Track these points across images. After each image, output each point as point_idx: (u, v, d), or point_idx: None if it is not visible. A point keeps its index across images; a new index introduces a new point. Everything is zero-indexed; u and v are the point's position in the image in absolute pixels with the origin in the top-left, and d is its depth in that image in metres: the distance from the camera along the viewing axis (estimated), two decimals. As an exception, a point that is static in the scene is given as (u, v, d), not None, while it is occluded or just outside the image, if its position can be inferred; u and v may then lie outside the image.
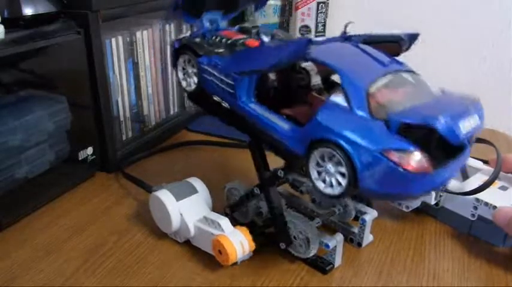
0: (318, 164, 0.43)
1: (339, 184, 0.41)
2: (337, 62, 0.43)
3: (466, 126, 0.38)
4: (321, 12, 1.02)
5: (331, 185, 0.42)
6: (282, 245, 0.52)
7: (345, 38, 0.49)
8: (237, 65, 0.48)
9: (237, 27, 0.55)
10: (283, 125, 0.45)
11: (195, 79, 0.54)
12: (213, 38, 0.53)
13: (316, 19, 1.02)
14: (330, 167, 0.41)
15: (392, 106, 0.40)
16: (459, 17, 0.95)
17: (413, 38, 0.49)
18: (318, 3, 1.01)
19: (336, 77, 0.48)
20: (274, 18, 1.09)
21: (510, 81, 0.95)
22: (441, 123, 0.37)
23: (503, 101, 0.96)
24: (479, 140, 0.65)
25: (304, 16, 1.02)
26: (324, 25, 1.03)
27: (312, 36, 1.03)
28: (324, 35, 1.04)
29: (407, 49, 0.49)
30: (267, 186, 0.52)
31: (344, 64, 0.43)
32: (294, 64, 0.50)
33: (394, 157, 0.38)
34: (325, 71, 0.51)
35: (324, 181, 0.42)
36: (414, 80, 0.44)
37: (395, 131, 0.38)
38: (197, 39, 0.53)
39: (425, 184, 0.39)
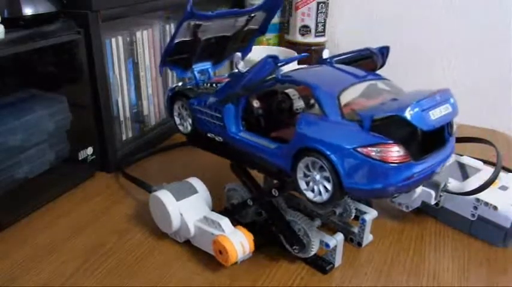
0: (305, 175, 0.44)
1: (326, 190, 0.42)
2: (306, 78, 0.46)
3: (435, 113, 0.40)
4: (321, 12, 1.02)
5: (320, 193, 0.43)
6: (296, 250, 0.52)
7: (320, 62, 0.51)
8: (219, 95, 0.51)
9: (227, 74, 0.57)
10: (271, 146, 0.47)
11: (190, 121, 0.56)
12: (205, 85, 0.56)
13: (316, 19, 1.02)
14: (315, 174, 0.43)
15: (366, 109, 0.41)
16: (459, 17, 0.95)
17: (385, 51, 0.51)
18: (318, 3, 1.01)
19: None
20: (275, 19, 1.08)
21: (510, 81, 0.95)
22: (409, 113, 0.38)
23: (503, 101, 0.96)
24: (479, 140, 0.65)
25: (304, 16, 1.02)
26: (324, 25, 1.03)
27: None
28: (323, 35, 1.04)
29: (383, 63, 0.52)
30: (263, 201, 0.53)
31: (314, 79, 0.45)
32: (275, 90, 0.52)
33: (371, 151, 0.39)
34: (308, 96, 0.53)
35: (312, 191, 0.44)
36: (390, 88, 0.46)
37: (369, 128, 0.40)
38: (189, 87, 0.57)
39: (408, 174, 0.40)
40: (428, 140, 0.43)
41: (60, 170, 0.66)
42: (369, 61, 0.51)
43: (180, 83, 0.59)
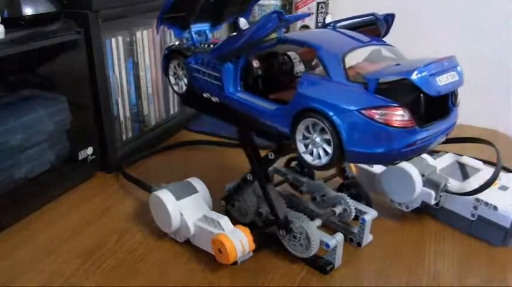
0: (304, 137, 0.43)
1: (326, 153, 0.41)
2: (311, 39, 0.45)
3: (442, 79, 0.39)
4: (321, 12, 1.02)
5: (319, 157, 0.42)
6: (283, 233, 0.51)
7: (324, 25, 0.50)
8: (218, 52, 0.49)
9: (225, 37, 0.56)
10: (270, 107, 0.46)
11: (186, 80, 0.55)
12: (202, 45, 0.55)
13: (316, 19, 1.02)
14: (316, 136, 0.42)
15: (371, 73, 0.40)
16: (459, 17, 0.95)
17: (390, 18, 0.50)
18: (318, 3, 1.01)
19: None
20: (274, 18, 1.08)
21: (510, 81, 0.95)
22: (416, 76, 0.37)
23: (503, 101, 0.96)
24: (479, 140, 0.65)
25: (304, 16, 1.02)
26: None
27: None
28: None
29: (387, 31, 0.50)
30: (260, 170, 0.52)
31: (318, 40, 0.44)
32: (276, 52, 0.51)
33: (375, 114, 0.38)
34: (310, 60, 0.52)
35: (311, 154, 0.43)
36: (395, 55, 0.45)
37: (374, 91, 0.39)
38: (186, 46, 0.55)
39: (411, 140, 0.39)
40: (432, 109, 0.42)
41: (60, 170, 0.67)
42: (372, 28, 0.50)
43: (177, 42, 0.57)
